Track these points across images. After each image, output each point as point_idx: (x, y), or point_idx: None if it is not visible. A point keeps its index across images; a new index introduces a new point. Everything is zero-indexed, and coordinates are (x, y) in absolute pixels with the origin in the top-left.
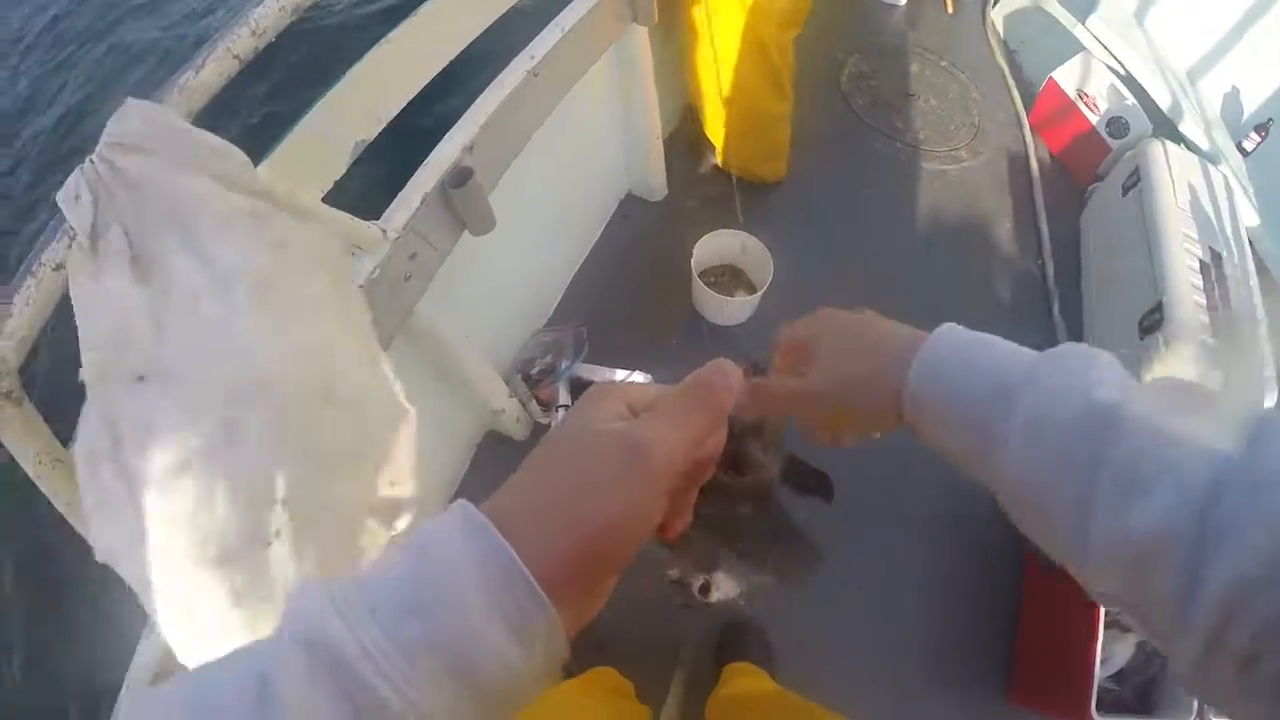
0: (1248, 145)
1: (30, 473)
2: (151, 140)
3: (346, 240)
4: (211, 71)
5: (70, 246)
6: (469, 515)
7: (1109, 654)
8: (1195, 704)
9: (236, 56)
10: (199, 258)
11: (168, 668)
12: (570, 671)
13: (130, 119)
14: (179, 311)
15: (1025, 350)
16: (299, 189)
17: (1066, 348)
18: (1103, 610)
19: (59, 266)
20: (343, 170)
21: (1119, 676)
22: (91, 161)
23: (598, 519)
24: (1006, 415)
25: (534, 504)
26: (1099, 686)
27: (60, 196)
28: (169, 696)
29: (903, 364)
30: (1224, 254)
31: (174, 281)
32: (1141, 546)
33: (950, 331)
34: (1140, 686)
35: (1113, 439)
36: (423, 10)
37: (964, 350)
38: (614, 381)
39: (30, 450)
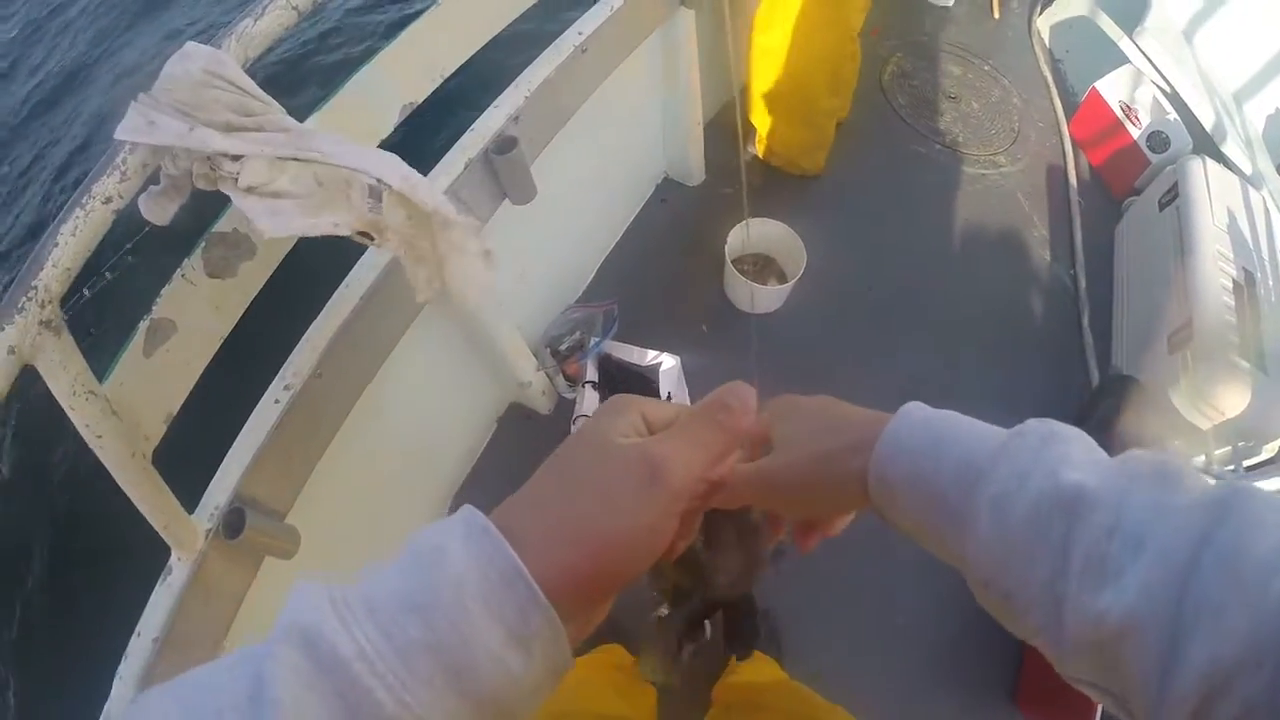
0: None
1: (64, 404)
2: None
3: None
4: (270, 21)
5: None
6: (471, 519)
7: None
8: None
9: (295, 8)
10: None
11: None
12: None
13: (192, 61)
14: None
15: (993, 428)
16: None
17: (1035, 424)
18: None
19: (108, 200)
20: (389, 130)
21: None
22: (151, 95)
23: (611, 536)
24: (974, 493)
25: (546, 514)
26: None
27: (124, 131)
28: (168, 695)
29: (867, 441)
30: (1258, 275)
31: None
32: (1116, 628)
33: (917, 409)
34: None
35: (1083, 519)
36: None
37: (930, 427)
38: (633, 396)
39: (65, 380)
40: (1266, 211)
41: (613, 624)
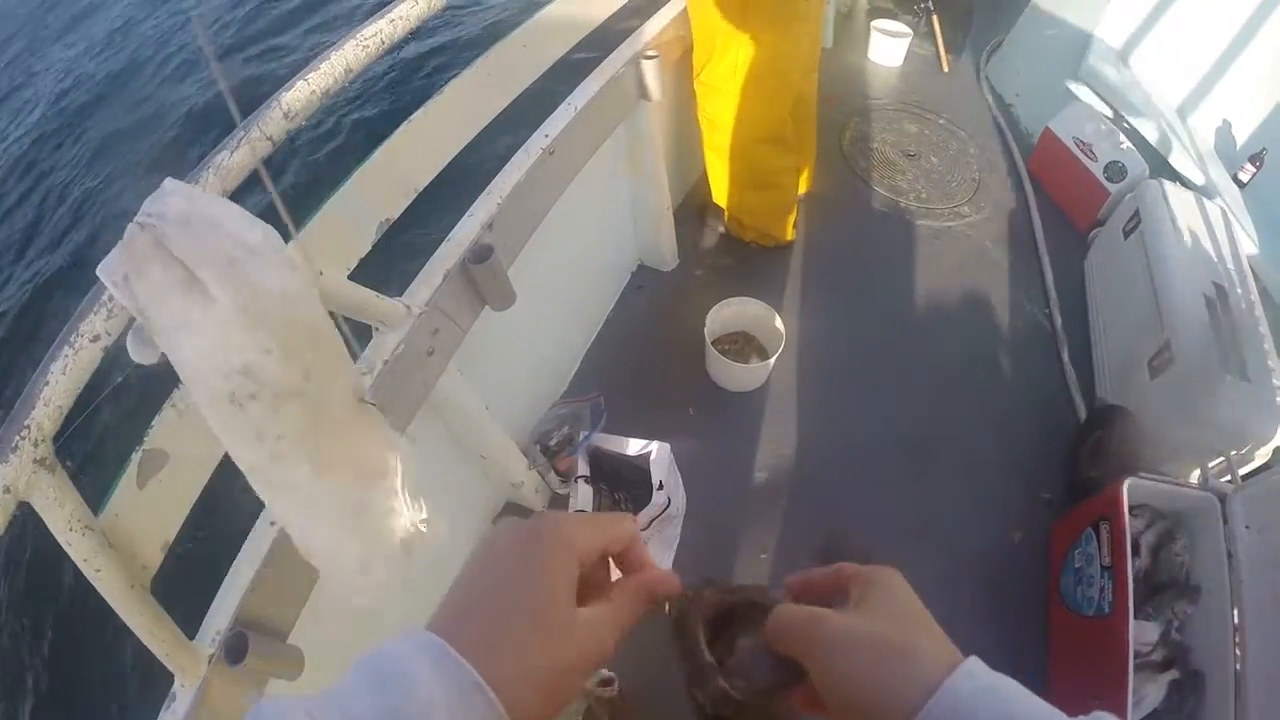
0: (1243, 176)
1: (60, 539)
2: (191, 220)
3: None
4: (245, 153)
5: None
6: (432, 643)
7: (1141, 696)
8: None
9: (269, 138)
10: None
11: None
12: None
13: (170, 199)
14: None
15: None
16: (325, 267)
17: None
18: (1132, 651)
19: (96, 338)
20: (368, 248)
21: (1153, 717)
22: (134, 238)
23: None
24: None
25: (485, 625)
26: None
27: (103, 270)
28: None
29: (919, 689)
30: (1227, 287)
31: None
32: None
33: (981, 671)
34: None
35: None
36: (438, 97)
37: (996, 696)
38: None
39: (61, 517)
40: (1227, 222)
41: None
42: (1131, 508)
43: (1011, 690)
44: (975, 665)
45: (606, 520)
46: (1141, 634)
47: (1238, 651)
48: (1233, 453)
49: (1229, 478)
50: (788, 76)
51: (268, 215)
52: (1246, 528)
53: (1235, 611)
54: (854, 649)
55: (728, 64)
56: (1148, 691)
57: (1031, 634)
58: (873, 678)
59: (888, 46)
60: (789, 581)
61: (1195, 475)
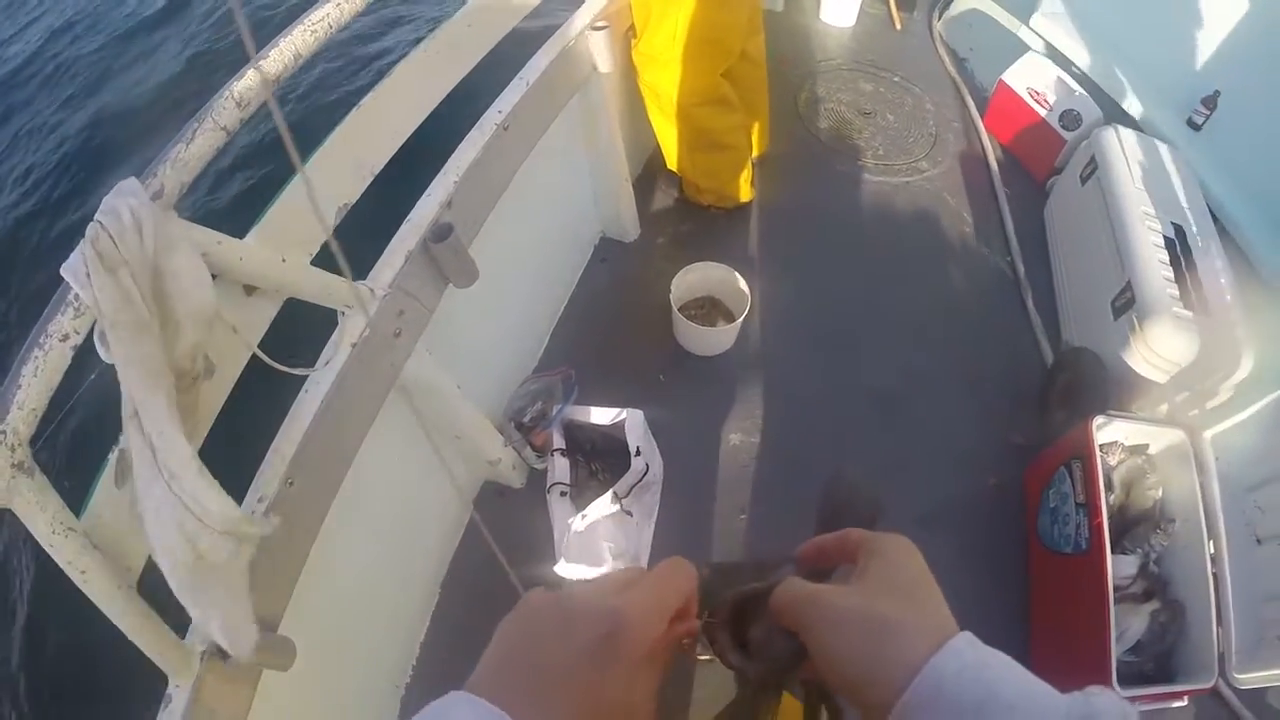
0: (1197, 119)
1: (43, 543)
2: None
3: None
4: (201, 144)
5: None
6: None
7: (1124, 628)
8: (1216, 668)
9: (224, 128)
10: None
11: None
12: None
13: (126, 199)
14: None
15: (1052, 695)
16: (287, 254)
17: (1107, 702)
18: (1111, 586)
19: (65, 338)
20: (328, 234)
21: (1136, 649)
22: (91, 236)
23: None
24: None
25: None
26: (1117, 660)
27: (67, 270)
28: None
29: (909, 663)
30: (1186, 227)
31: None
32: None
33: (968, 648)
34: (1159, 656)
35: None
36: (388, 79)
37: (980, 677)
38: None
39: (43, 520)
40: (1183, 164)
41: None
42: (1102, 445)
43: (999, 668)
44: (961, 642)
45: (670, 591)
46: (1120, 568)
47: (1215, 579)
48: (1198, 387)
49: (1196, 411)
50: (725, 44)
51: (230, 204)
52: (1216, 459)
53: (1210, 540)
54: (846, 626)
55: (664, 34)
56: (1130, 624)
57: (1013, 576)
58: (862, 656)
59: (839, 7)
60: (801, 551)
61: (1163, 410)
